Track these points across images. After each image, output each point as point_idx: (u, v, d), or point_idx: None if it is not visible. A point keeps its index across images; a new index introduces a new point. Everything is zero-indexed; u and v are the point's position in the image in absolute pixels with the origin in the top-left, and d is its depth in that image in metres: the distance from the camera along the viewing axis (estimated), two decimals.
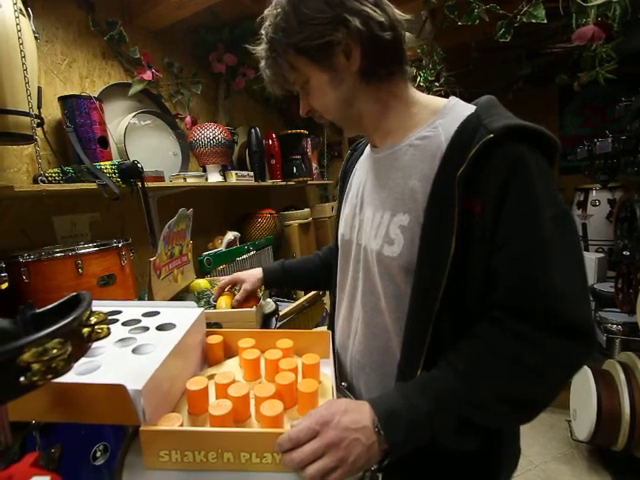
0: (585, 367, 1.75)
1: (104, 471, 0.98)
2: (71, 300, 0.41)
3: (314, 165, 2.52)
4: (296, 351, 0.69)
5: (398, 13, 0.61)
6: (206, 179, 1.66)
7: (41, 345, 0.31)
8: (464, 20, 1.41)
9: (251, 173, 1.88)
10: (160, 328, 0.62)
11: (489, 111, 0.56)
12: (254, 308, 0.95)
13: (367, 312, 0.69)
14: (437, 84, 2.09)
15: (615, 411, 1.60)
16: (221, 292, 1.01)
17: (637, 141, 2.11)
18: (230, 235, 1.78)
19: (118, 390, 0.43)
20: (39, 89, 1.07)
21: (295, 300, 1.59)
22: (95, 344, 0.41)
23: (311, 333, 0.74)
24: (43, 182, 1.09)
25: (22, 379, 0.31)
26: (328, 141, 2.82)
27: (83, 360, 0.44)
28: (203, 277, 1.36)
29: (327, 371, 0.65)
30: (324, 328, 0.86)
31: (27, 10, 0.99)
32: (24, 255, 0.99)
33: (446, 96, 0.67)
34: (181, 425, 0.49)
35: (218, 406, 0.50)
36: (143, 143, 1.51)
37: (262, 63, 0.67)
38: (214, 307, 1.00)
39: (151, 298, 1.00)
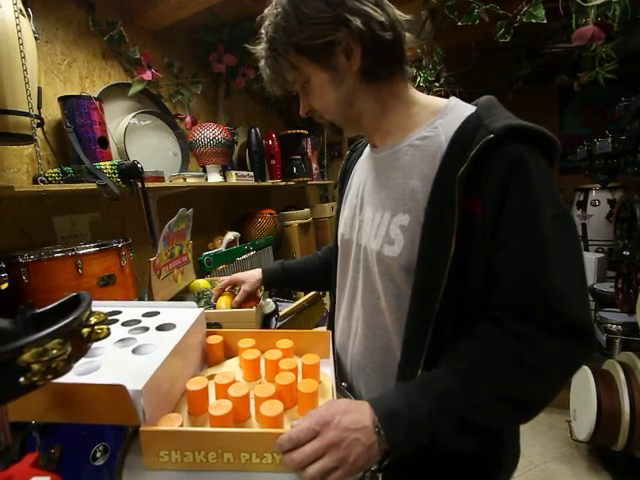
0: (585, 367, 1.75)
1: (104, 471, 0.98)
2: (71, 300, 0.41)
3: (314, 165, 2.52)
4: (296, 351, 0.69)
5: (398, 13, 0.61)
6: (206, 179, 1.66)
7: (41, 345, 0.31)
8: (464, 20, 1.41)
9: (251, 173, 1.88)
10: (160, 328, 0.62)
11: (489, 111, 0.56)
12: (254, 308, 0.95)
13: (367, 312, 0.69)
14: (437, 84, 2.09)
15: (615, 411, 1.60)
16: (221, 293, 1.01)
17: (637, 141, 2.11)
18: (230, 235, 1.78)
19: (118, 390, 0.43)
20: (39, 89, 1.07)
21: (295, 300, 1.59)
22: (95, 344, 0.41)
23: (311, 333, 0.74)
24: (43, 182, 1.09)
25: (22, 379, 0.31)
26: (328, 141, 2.82)
27: (83, 360, 0.44)
28: (203, 277, 1.36)
29: (327, 371, 0.65)
30: (324, 328, 0.86)
31: (27, 10, 0.99)
32: (24, 255, 0.99)
33: (446, 96, 0.67)
34: (181, 425, 0.49)
35: (218, 406, 0.50)
36: (143, 143, 1.51)
37: (262, 62, 0.66)
38: (214, 307, 1.00)
39: (151, 298, 0.99)
